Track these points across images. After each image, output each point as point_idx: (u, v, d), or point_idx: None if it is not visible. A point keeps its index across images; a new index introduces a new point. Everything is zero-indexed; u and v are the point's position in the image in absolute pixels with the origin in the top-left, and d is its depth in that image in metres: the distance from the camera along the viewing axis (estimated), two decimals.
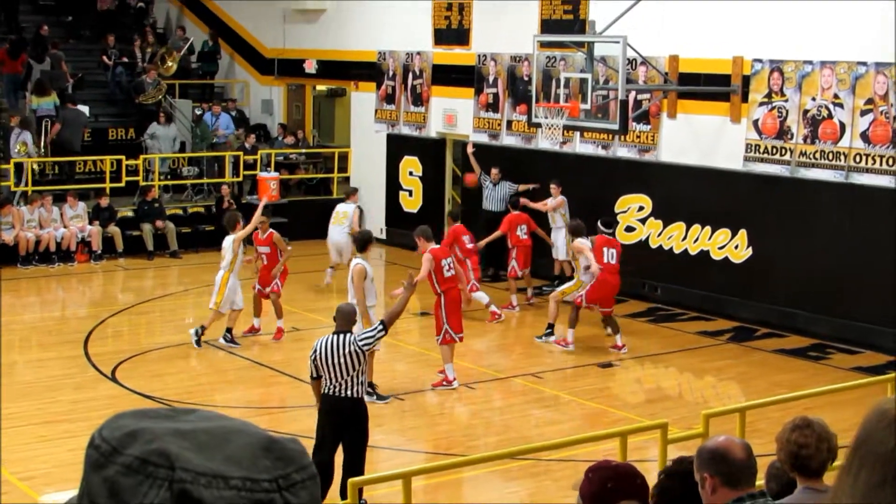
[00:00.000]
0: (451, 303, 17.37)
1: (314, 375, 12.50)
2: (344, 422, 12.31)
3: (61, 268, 25.74)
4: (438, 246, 17.82)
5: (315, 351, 12.42)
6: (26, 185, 27.43)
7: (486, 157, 25.62)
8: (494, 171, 25.15)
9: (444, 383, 17.21)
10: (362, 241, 17.38)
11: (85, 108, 30.07)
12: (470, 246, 21.63)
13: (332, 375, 12.30)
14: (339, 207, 24.39)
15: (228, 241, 19.59)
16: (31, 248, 25.73)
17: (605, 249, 19.37)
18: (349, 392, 12.36)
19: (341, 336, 12.49)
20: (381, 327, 12.84)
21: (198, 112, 31.42)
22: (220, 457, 1.67)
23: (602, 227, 19.99)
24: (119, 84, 32.43)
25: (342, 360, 12.27)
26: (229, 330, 19.51)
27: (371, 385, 15.60)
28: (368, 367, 14.87)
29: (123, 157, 28.60)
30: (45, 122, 28.72)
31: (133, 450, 1.67)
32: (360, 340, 12.47)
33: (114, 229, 26.70)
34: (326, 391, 12.41)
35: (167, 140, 29.90)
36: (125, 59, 32.88)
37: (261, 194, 28.84)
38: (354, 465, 12.18)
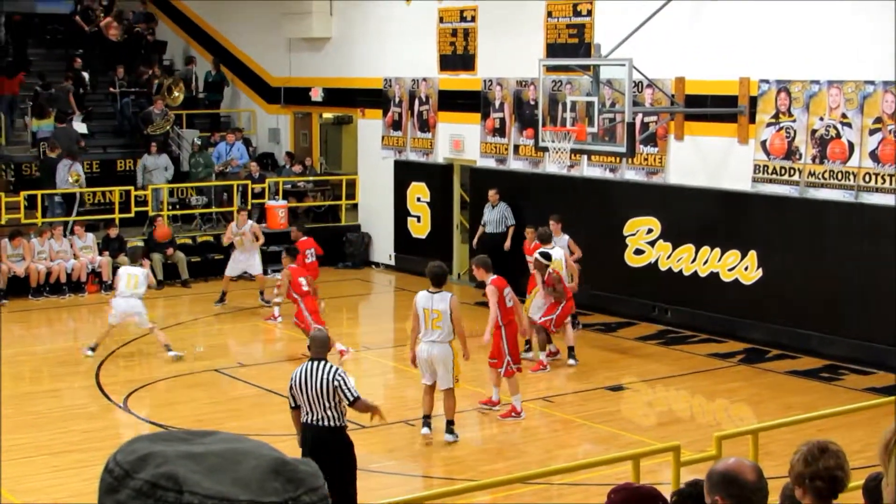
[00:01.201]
0: (512, 335, 17.04)
1: (293, 405, 12.32)
2: (326, 452, 11.76)
3: (72, 298, 25.78)
4: (497, 276, 17.23)
5: (292, 380, 12.21)
6: (69, 214, 27.95)
7: (493, 182, 25.66)
8: (492, 192, 25.26)
9: (513, 414, 16.98)
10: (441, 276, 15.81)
11: (82, 127, 30.28)
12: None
13: (311, 405, 12.09)
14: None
15: (138, 272, 20.93)
16: (42, 280, 25.78)
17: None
18: (330, 422, 12.13)
19: (318, 364, 12.21)
20: (354, 397, 12.23)
21: (198, 142, 31.37)
22: (229, 479, 1.67)
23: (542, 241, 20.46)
24: (126, 115, 32.53)
25: (320, 388, 12.02)
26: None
27: (449, 423, 15.83)
28: (449, 404, 15.69)
29: (132, 188, 28.66)
30: (41, 145, 29.22)
31: (144, 474, 1.68)
32: (339, 378, 12.12)
33: (123, 260, 26.70)
34: (306, 421, 12.20)
35: (159, 170, 29.78)
36: (133, 90, 32.98)
37: (269, 223, 28.90)
38: (343, 498, 11.80)
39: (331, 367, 12.20)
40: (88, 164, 30.02)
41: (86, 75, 32.45)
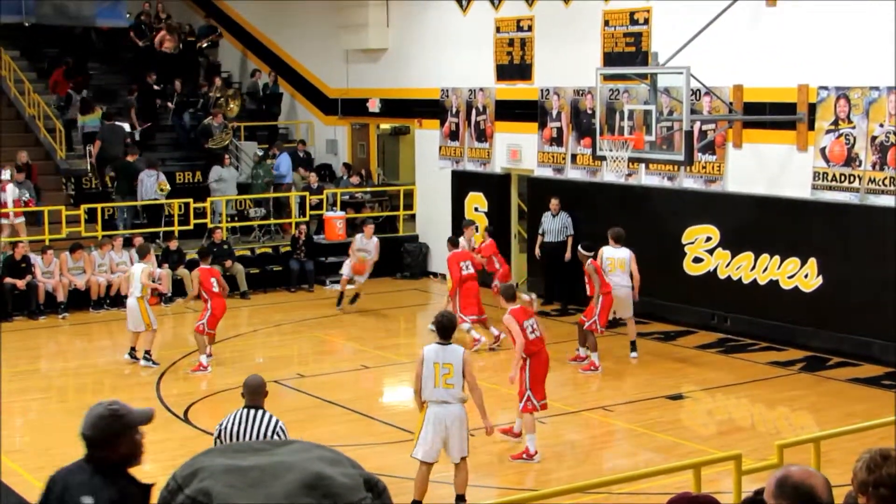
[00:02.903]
0: (536, 367, 15.57)
1: None
2: None
3: None
4: (518, 306, 16.01)
5: (221, 427, 10.90)
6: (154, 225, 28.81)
7: (551, 192, 25.65)
8: (554, 201, 25.25)
9: (524, 456, 15.47)
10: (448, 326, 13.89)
11: (125, 125, 30.87)
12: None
13: None
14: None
15: (138, 269, 21.31)
16: (103, 293, 25.98)
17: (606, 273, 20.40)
18: None
19: (253, 412, 10.86)
20: None
21: (259, 153, 31.62)
22: (263, 495, 1.70)
23: (584, 251, 20.59)
24: (185, 128, 32.78)
25: (253, 438, 10.53)
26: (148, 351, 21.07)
27: (460, 498, 13.70)
28: (463, 477, 13.54)
29: (191, 200, 28.86)
30: (82, 135, 30.37)
31: (189, 488, 1.72)
32: (281, 429, 10.77)
33: (183, 272, 26.88)
34: None
35: (232, 182, 30.18)
36: (191, 100, 33.26)
37: (327, 234, 29.04)
38: None
39: (269, 418, 10.86)
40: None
41: (156, 87, 32.76)
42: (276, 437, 10.67)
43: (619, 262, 20.33)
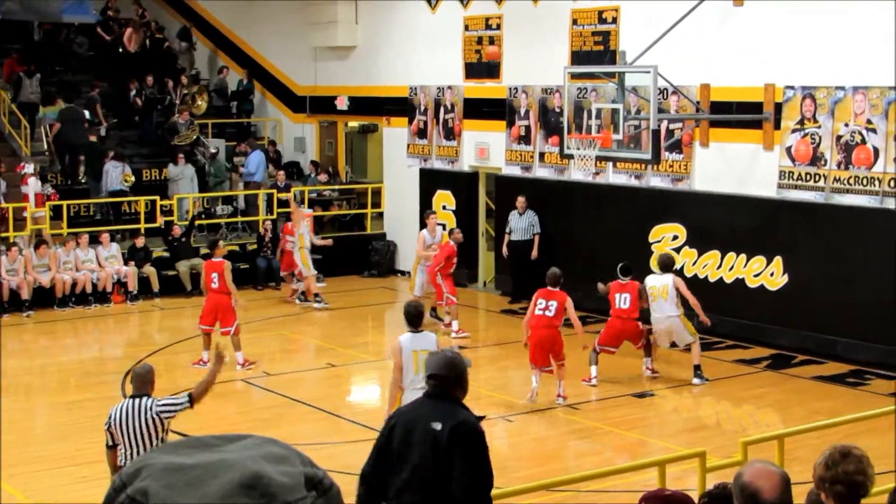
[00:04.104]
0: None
1: (109, 444, 11.32)
2: None
3: (98, 309, 25.83)
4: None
5: (111, 418, 11.20)
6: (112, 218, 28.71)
7: (519, 190, 25.68)
8: (521, 199, 25.29)
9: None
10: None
11: (85, 111, 30.95)
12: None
13: (130, 444, 11.18)
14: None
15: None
16: (68, 290, 25.86)
17: (616, 295, 19.39)
18: None
19: (137, 401, 11.21)
20: (187, 400, 11.47)
21: (213, 151, 31.50)
22: (199, 494, 1.70)
23: (618, 273, 19.75)
24: (152, 125, 32.65)
25: (139, 427, 11.14)
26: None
27: None
28: None
29: (158, 198, 28.75)
30: (44, 125, 30.10)
31: (131, 487, 1.72)
32: (159, 407, 11.19)
33: (149, 269, 26.79)
34: (123, 462, 11.23)
35: (184, 180, 29.97)
36: (158, 97, 33.14)
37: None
38: None
39: (149, 401, 11.22)
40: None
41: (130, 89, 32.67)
42: (151, 419, 11.09)
43: (660, 291, 19.08)
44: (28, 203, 26.92)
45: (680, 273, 22.12)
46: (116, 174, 28.72)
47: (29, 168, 27.60)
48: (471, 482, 7.86)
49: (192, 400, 11.49)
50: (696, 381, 19.13)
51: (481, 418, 8.15)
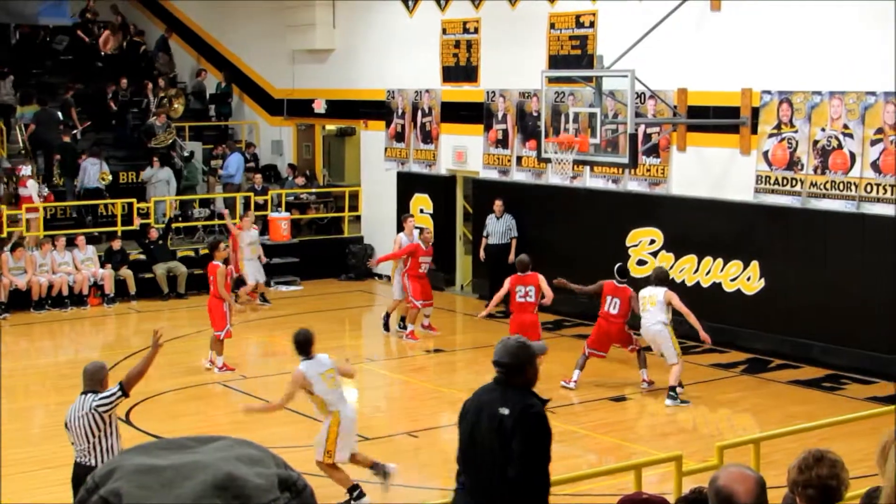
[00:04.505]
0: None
1: (71, 441, 11.51)
2: None
3: (74, 312, 25.77)
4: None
5: (66, 415, 11.47)
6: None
7: (496, 194, 25.70)
8: (498, 203, 25.30)
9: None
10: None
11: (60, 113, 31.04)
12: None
13: (76, 441, 11.34)
14: None
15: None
16: (44, 293, 25.77)
17: (608, 297, 19.30)
18: (94, 460, 11.31)
19: (83, 398, 11.41)
20: (119, 391, 11.43)
21: (186, 154, 31.46)
22: (172, 496, 1.69)
23: (615, 274, 19.68)
24: (129, 128, 32.60)
25: (82, 423, 11.26)
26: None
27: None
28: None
29: (134, 200, 28.68)
30: (19, 125, 30.11)
31: (104, 488, 1.72)
32: (96, 402, 11.27)
33: (126, 272, 26.73)
34: (76, 458, 11.52)
35: (161, 183, 29.89)
36: (134, 100, 33.10)
37: (272, 235, 28.94)
38: None
39: (91, 397, 11.35)
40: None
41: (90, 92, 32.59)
42: (91, 415, 11.22)
43: (650, 300, 18.95)
44: (28, 205, 27.01)
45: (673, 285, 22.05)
46: (94, 171, 28.72)
47: (27, 170, 27.64)
48: (527, 466, 8.24)
49: (124, 388, 11.49)
50: (668, 402, 18.54)
51: (546, 402, 8.56)
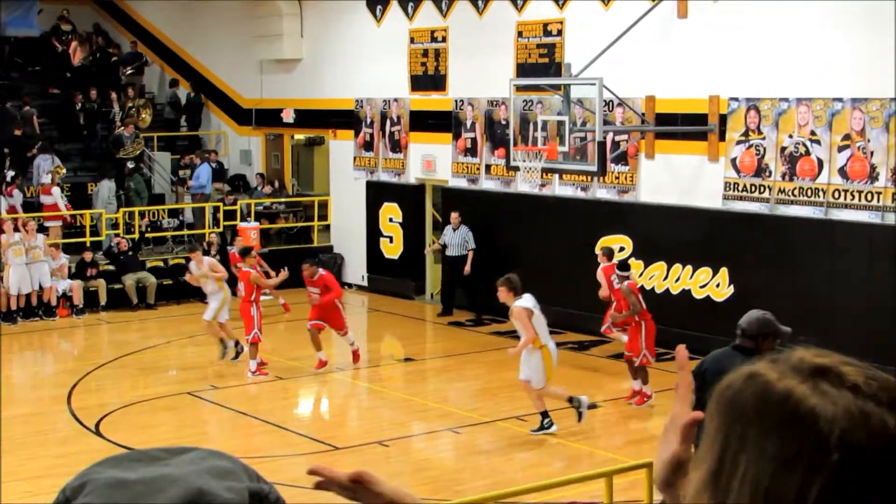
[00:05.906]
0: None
1: None
2: None
3: (43, 323, 25.64)
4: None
5: None
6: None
7: (464, 202, 25.73)
8: (454, 215, 25.36)
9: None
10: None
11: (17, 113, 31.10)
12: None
13: None
14: None
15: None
16: (13, 305, 25.60)
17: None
18: None
19: None
20: None
21: (131, 166, 31.23)
22: None
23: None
24: (96, 137, 32.51)
25: None
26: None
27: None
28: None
29: (103, 211, 28.58)
30: None
31: (75, 502, 1.72)
32: None
33: (99, 282, 26.62)
34: None
35: (100, 197, 29.68)
36: (102, 111, 33.00)
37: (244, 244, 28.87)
38: None
39: None
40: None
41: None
42: None
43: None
44: (54, 212, 27.54)
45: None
46: (46, 167, 28.60)
47: (47, 178, 27.80)
48: None
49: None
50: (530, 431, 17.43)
51: None
